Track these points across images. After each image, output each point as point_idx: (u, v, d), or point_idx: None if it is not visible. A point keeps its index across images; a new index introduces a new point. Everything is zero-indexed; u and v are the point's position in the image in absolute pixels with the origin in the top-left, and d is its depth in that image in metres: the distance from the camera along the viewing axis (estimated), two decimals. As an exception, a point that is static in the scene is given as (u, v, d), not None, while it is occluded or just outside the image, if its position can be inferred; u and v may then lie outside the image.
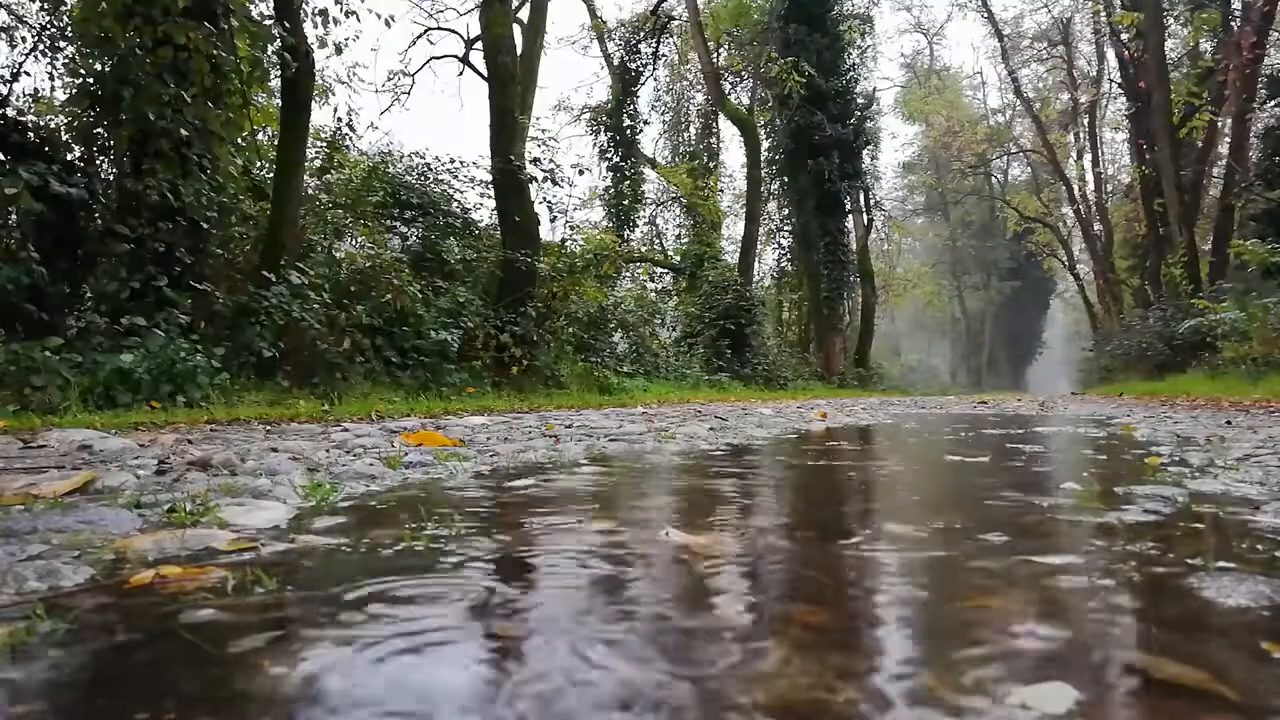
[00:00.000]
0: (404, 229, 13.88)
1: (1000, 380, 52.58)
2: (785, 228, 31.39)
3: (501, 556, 1.43)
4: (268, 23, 9.22)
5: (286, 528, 1.68)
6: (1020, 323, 55.73)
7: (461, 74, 26.93)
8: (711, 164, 29.76)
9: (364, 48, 62.52)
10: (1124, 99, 29.91)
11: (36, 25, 9.24)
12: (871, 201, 32.11)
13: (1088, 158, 36.05)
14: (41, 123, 8.28)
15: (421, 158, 14.85)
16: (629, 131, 27.56)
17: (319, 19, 9.74)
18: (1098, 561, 1.36)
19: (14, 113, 8.11)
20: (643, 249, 28.23)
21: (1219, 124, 22.37)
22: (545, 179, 14.07)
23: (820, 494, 2.40)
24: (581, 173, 18.00)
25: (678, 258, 27.34)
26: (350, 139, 13.87)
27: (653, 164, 29.79)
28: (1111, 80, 33.35)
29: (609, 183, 27.32)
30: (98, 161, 8.32)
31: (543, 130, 16.05)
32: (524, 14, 17.60)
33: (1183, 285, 20.36)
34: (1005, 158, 44.91)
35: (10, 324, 6.83)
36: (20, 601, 1.11)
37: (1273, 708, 0.77)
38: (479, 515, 1.88)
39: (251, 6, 9.22)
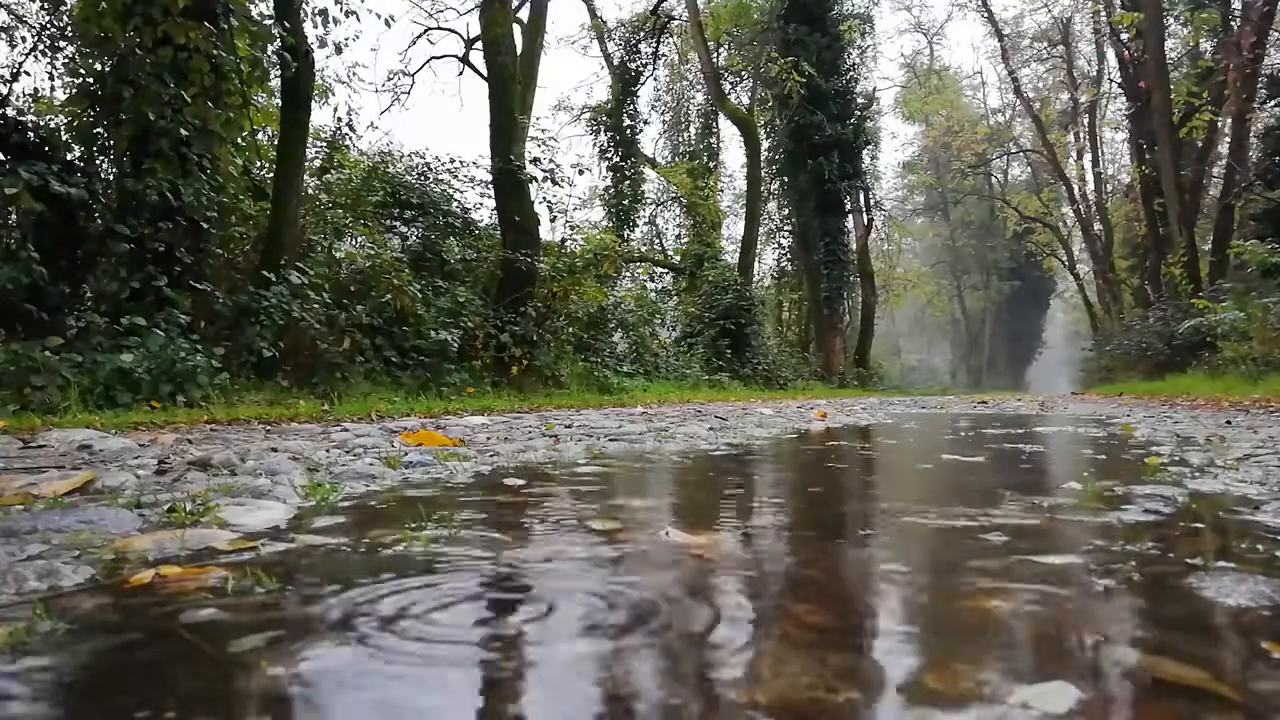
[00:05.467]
0: (404, 229, 13.87)
1: (1000, 380, 52.56)
2: (785, 228, 31.41)
3: (502, 556, 1.43)
4: (268, 23, 9.21)
5: (286, 527, 1.68)
6: (1020, 323, 55.71)
7: (461, 74, 26.92)
8: (711, 164, 29.75)
9: (364, 48, 62.62)
10: (1124, 99, 29.92)
11: (36, 25, 9.24)
12: (871, 201, 32.13)
13: (1088, 158, 36.09)
14: (41, 123, 8.27)
15: (421, 158, 14.86)
16: (629, 131, 27.54)
17: (319, 19, 9.74)
18: (1098, 561, 1.36)
19: (14, 113, 8.10)
20: (643, 249, 28.21)
21: (1219, 124, 22.37)
22: (545, 179, 14.05)
23: (820, 494, 2.40)
24: (581, 173, 18.00)
25: (678, 258, 27.34)
26: (350, 139, 13.86)
27: (653, 164, 29.77)
28: (1111, 80, 33.39)
29: (609, 183, 27.30)
30: (98, 161, 8.31)
31: (543, 130, 16.06)
32: (524, 14, 17.60)
33: (1183, 285, 20.35)
34: (1005, 158, 44.91)
35: (10, 324, 6.83)
36: (20, 601, 1.11)
37: (1273, 708, 0.77)
38: (479, 515, 1.88)
39: (251, 6, 9.21)
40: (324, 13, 9.74)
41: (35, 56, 9.01)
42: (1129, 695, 0.81)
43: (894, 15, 76.48)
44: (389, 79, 23.07)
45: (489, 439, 4.22)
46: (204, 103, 7.99)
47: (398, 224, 13.80)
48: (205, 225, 8.04)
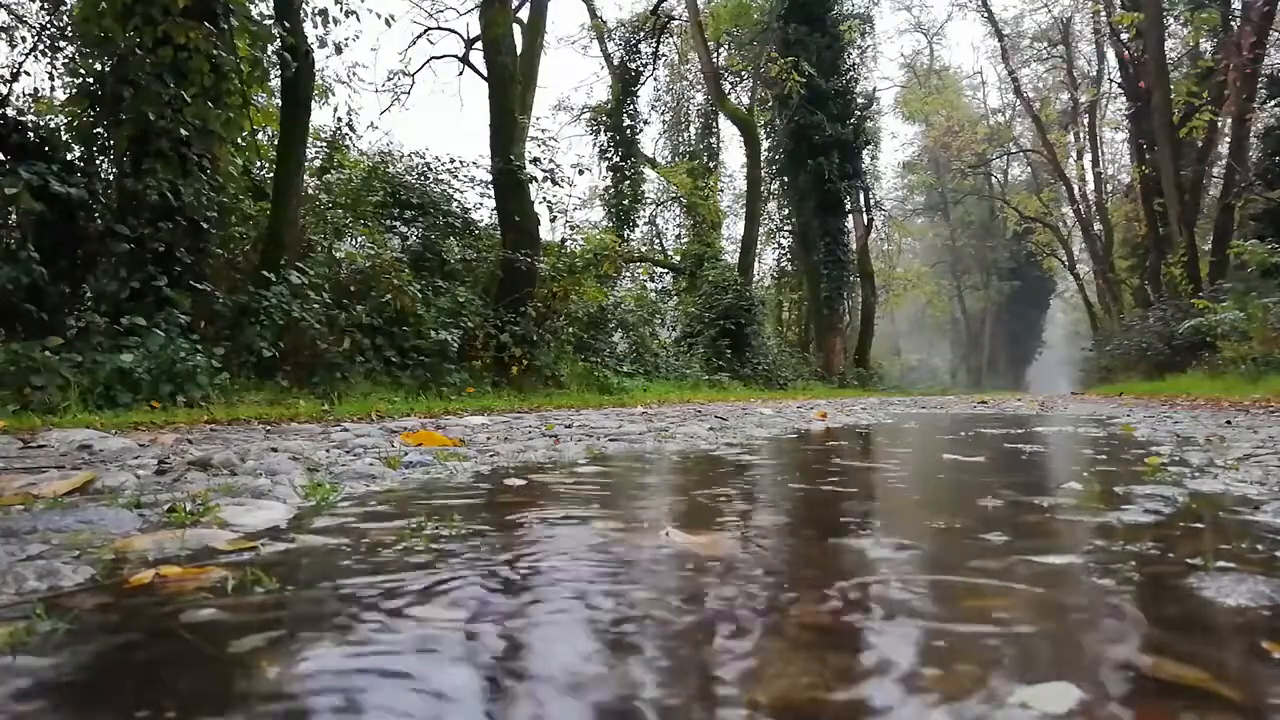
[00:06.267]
0: (404, 229, 13.88)
1: (1000, 380, 52.55)
2: (785, 228, 31.44)
3: (502, 556, 1.43)
4: (268, 23, 9.22)
5: (286, 527, 1.68)
6: (1020, 323, 55.71)
7: (461, 74, 26.92)
8: (711, 164, 29.76)
9: (364, 48, 62.56)
10: (1124, 99, 29.92)
11: (36, 25, 9.24)
12: (871, 201, 32.18)
13: (1088, 158, 36.12)
14: (41, 123, 8.27)
15: (421, 158, 14.86)
16: (629, 131, 27.55)
17: (319, 19, 9.74)
18: (1098, 561, 1.36)
19: (14, 113, 8.10)
20: (643, 249, 28.22)
21: (1219, 124, 22.35)
22: (545, 179, 14.05)
23: (820, 494, 2.40)
24: (581, 173, 18.01)
25: (678, 258, 27.35)
26: (350, 139, 13.87)
27: (653, 164, 29.79)
28: (1111, 80, 33.42)
29: (609, 183, 27.32)
30: (98, 161, 8.31)
31: (543, 130, 16.07)
32: (524, 14, 17.61)
33: (1183, 285, 20.35)
34: (1005, 158, 44.92)
35: (10, 324, 6.83)
36: (20, 601, 1.11)
37: (1273, 708, 0.77)
38: (479, 515, 1.88)
39: (251, 6, 9.21)
40: (324, 13, 9.75)
41: (35, 56, 9.02)
42: (1129, 695, 0.81)
43: (894, 15, 76.42)
44: (389, 79, 23.11)
45: (489, 439, 4.22)
46: (204, 103, 7.99)
47: (398, 224, 13.81)
48: (205, 225, 8.04)
